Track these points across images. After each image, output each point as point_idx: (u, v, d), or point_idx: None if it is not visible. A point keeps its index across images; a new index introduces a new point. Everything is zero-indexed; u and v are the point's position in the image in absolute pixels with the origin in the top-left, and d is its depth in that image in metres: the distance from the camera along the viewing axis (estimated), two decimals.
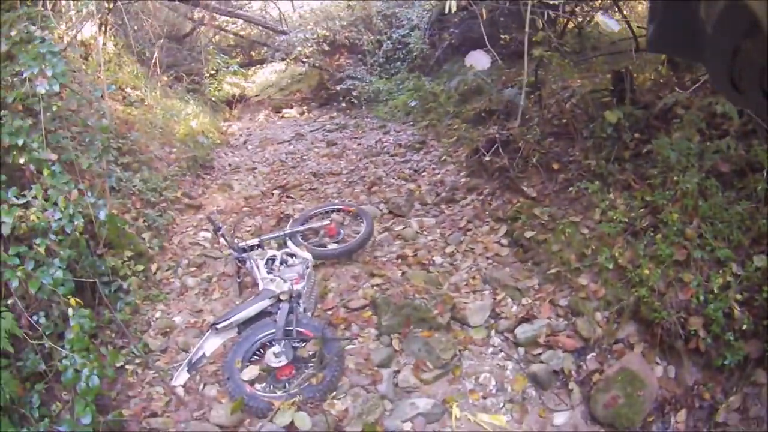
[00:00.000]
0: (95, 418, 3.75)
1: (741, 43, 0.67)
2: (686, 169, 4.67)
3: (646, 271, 4.43)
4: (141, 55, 10.52)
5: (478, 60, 3.37)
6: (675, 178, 4.69)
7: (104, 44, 8.35)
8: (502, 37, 9.25)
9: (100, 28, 8.25)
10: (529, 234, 5.60)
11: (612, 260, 4.69)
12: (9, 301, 3.98)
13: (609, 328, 4.52)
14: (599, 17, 3.68)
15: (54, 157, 4.54)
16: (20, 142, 4.25)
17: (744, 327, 3.94)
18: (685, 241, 4.42)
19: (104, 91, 6.32)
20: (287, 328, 4.39)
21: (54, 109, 5.30)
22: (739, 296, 4.04)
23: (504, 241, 5.90)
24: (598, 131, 5.71)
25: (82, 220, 4.50)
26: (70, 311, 4.06)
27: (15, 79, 4.58)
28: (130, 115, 7.90)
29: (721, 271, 4.17)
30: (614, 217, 4.91)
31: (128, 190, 6.53)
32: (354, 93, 12.64)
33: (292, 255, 5.40)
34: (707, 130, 4.94)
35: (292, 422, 3.67)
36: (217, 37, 13.96)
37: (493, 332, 4.82)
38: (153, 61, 10.04)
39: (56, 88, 4.51)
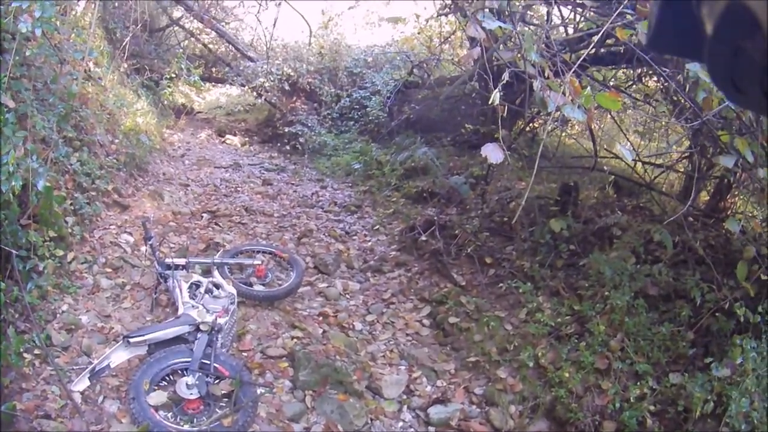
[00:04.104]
0: None
1: (741, 43, 0.67)
2: (617, 287, 5.00)
3: (566, 374, 4.62)
4: (112, 33, 10.16)
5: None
6: (606, 293, 5.01)
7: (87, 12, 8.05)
8: (465, 126, 9.53)
9: None
10: (453, 320, 5.70)
11: (533, 359, 4.84)
12: None
13: (521, 421, 4.64)
14: (485, 149, 3.63)
15: (12, 104, 4.22)
16: None
17: None
18: (607, 351, 4.71)
19: (86, 55, 5.93)
20: (204, 361, 4.21)
21: (27, 54, 4.90)
22: (653, 407, 4.32)
23: (426, 322, 5.97)
24: (538, 236, 6.04)
25: (21, 182, 4.18)
26: None
27: None
28: (85, 90, 7.55)
29: (638, 383, 4.45)
30: (540, 319, 5.12)
31: (64, 167, 6.20)
32: (300, 139, 12.54)
33: (218, 286, 5.21)
34: (643, 255, 5.33)
35: None
36: (186, 42, 13.65)
37: (405, 407, 4.84)
38: (123, 44, 9.72)
39: (38, 31, 4.29)
